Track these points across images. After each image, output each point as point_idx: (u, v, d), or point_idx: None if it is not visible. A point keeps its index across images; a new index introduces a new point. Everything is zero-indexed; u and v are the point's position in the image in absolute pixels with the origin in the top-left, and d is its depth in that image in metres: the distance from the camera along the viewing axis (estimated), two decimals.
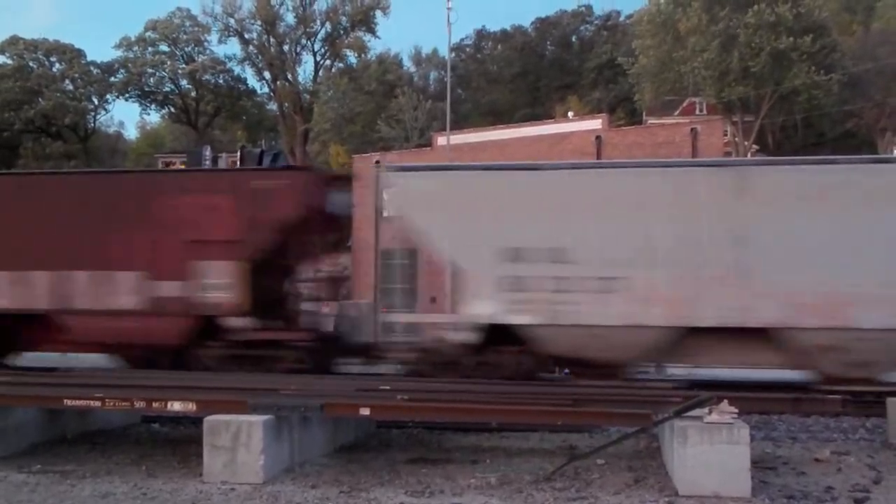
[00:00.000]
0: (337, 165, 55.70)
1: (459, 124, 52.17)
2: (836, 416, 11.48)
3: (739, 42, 50.33)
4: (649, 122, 59.42)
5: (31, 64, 70.91)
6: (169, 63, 74.78)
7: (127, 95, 75.69)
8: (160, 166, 63.37)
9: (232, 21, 69.71)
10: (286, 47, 71.51)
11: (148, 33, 73.12)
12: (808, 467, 8.84)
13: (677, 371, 14.71)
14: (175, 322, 13.80)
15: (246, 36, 70.72)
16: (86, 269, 14.08)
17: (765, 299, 12.30)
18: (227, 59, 75.26)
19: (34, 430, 9.96)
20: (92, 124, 77.14)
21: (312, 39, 72.00)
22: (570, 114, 57.04)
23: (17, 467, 8.80)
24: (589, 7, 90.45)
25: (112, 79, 73.98)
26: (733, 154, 52.56)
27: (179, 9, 73.94)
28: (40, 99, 68.80)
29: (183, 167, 51.23)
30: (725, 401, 7.98)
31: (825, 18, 53.89)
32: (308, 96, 73.37)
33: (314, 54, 73.10)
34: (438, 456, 9.49)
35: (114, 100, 76.84)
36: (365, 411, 8.75)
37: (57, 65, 72.44)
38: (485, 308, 13.05)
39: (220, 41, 73.53)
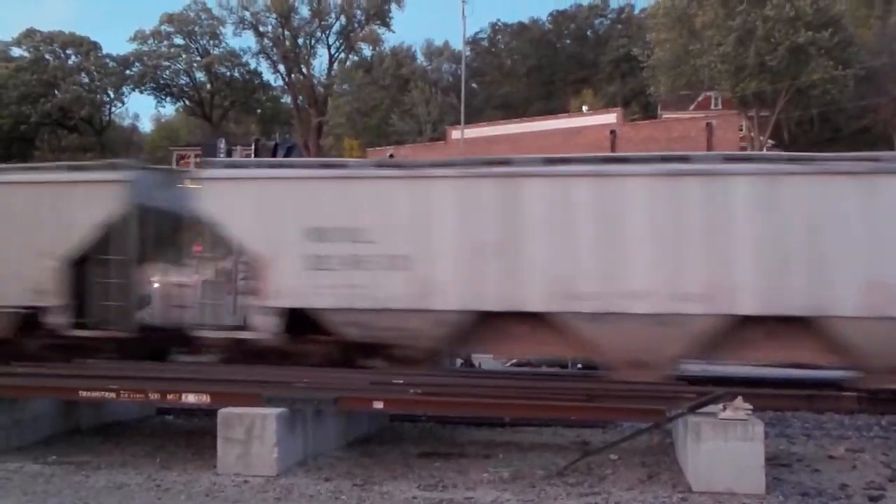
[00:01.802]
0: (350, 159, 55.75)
1: (473, 118, 52.14)
2: (850, 413, 11.44)
3: (757, 36, 50.00)
4: (664, 116, 59.23)
5: (47, 56, 71.12)
6: (184, 56, 74.89)
7: (142, 88, 75.87)
8: (175, 159, 63.59)
9: (247, 14, 69.74)
10: (301, 40, 71.47)
11: (163, 26, 73.24)
12: (823, 464, 8.80)
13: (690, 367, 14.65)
14: None
15: (261, 29, 70.71)
16: None
17: None
18: (241, 52, 75.38)
19: (50, 421, 10.04)
20: (107, 117, 77.45)
21: (327, 32, 71.98)
22: (584, 108, 56.93)
23: (33, 458, 8.87)
24: (604, 0, 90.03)
25: (128, 72, 74.17)
26: (748, 149, 52.31)
27: (195, 2, 74.06)
28: (56, 91, 69.04)
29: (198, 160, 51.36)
30: (740, 397, 7.95)
31: (842, 12, 53.46)
32: (322, 89, 73.39)
33: (329, 47, 73.08)
34: (451, 450, 9.50)
35: (129, 93, 77.06)
36: (378, 405, 8.77)
37: (73, 57, 72.65)
38: None
39: (235, 34, 73.66)
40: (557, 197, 12.23)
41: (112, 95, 75.84)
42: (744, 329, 11.69)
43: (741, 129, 53.45)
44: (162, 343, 14.46)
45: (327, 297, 12.55)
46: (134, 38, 73.29)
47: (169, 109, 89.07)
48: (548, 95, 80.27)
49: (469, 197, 12.49)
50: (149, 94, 77.34)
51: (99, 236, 13.69)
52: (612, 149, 36.11)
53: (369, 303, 12.39)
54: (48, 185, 14.26)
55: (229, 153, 54.02)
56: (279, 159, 16.95)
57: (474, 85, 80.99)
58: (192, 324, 14.63)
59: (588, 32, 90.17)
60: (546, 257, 12.07)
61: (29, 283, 13.58)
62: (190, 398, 8.90)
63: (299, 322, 12.75)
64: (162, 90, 76.96)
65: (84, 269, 13.92)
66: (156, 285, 16.45)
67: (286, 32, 70.39)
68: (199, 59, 74.48)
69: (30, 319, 13.79)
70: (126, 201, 13.69)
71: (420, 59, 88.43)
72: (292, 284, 12.66)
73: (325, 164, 14.46)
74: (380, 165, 13.58)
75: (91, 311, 13.90)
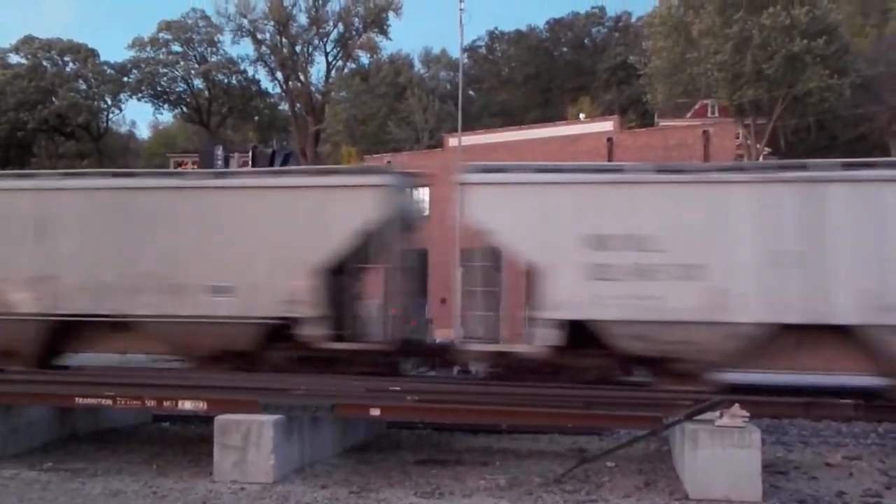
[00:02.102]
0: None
1: (470, 125, 52.11)
2: (847, 420, 11.42)
3: (753, 44, 50.17)
4: (661, 124, 59.31)
5: (45, 63, 71.18)
6: (182, 63, 75.00)
7: (140, 95, 75.94)
8: (172, 166, 63.57)
9: (245, 21, 69.80)
10: (298, 48, 71.57)
11: (161, 34, 73.34)
12: (820, 472, 8.80)
13: None
14: None
15: (259, 36, 70.80)
16: None
17: None
18: (239, 60, 75.50)
19: (46, 428, 10.01)
20: (105, 124, 77.47)
21: (325, 40, 72.07)
22: (581, 115, 56.96)
23: (29, 465, 8.84)
24: (602, 8, 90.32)
25: (125, 78, 74.24)
26: (745, 157, 52.42)
27: (193, 9, 74.23)
28: (54, 98, 69.10)
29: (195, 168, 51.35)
30: (737, 405, 7.95)
31: (838, 21, 53.65)
32: (320, 97, 73.47)
33: (326, 55, 73.18)
34: (448, 457, 9.49)
35: (127, 99, 77.14)
36: (375, 412, 8.76)
37: (71, 64, 72.72)
38: None
39: (233, 42, 73.87)
40: (866, 203, 11.71)
41: (109, 102, 75.94)
42: None
43: (738, 137, 53.51)
44: (421, 356, 13.70)
45: (609, 308, 11.95)
46: (132, 46, 73.45)
47: (166, 116, 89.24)
48: (545, 103, 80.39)
49: (767, 203, 11.97)
50: (146, 101, 77.47)
51: (358, 244, 12.92)
52: (609, 156, 36.14)
53: (656, 314, 11.81)
54: (302, 190, 13.31)
55: (227, 160, 54.01)
56: (555, 164, 15.99)
57: (472, 92, 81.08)
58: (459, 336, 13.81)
59: (585, 40, 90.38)
60: (855, 266, 11.54)
61: (281, 293, 12.71)
62: (187, 405, 8.88)
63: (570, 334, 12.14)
64: (159, 97, 77.04)
65: (341, 278, 13.17)
66: None
67: (284, 40, 70.47)
68: (196, 66, 74.58)
69: (278, 331, 12.92)
70: (386, 207, 12.84)
71: (418, 66, 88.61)
72: (571, 295, 12.08)
73: (603, 169, 13.52)
74: (667, 170, 12.83)
75: (348, 322, 13.13)
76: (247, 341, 12.95)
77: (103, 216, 13.56)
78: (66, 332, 13.57)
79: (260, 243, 13.00)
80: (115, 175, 14.76)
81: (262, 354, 12.99)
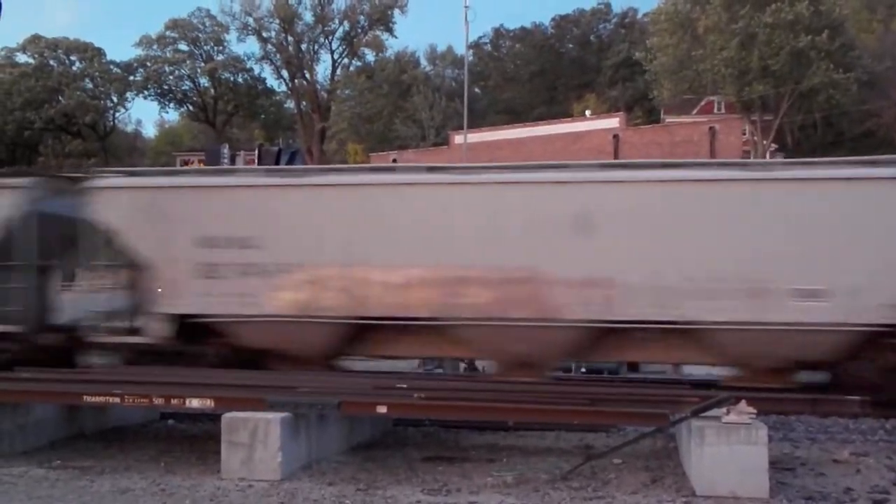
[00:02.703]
0: (353, 164, 55.73)
1: (476, 122, 52.23)
2: (854, 417, 11.40)
3: (759, 40, 50.09)
4: (667, 120, 59.30)
5: (51, 63, 71.46)
6: (188, 62, 75.18)
7: (146, 94, 76.17)
8: (178, 164, 63.71)
9: (250, 20, 69.94)
10: (304, 46, 71.66)
11: (167, 32, 73.55)
12: (827, 468, 8.78)
13: (694, 370, 14.64)
14: None
15: (264, 34, 70.86)
16: None
17: None
18: (245, 58, 75.64)
19: (53, 426, 10.04)
20: (111, 122, 77.71)
21: (330, 38, 72.12)
22: (587, 112, 57.01)
23: (37, 462, 8.87)
24: (607, 5, 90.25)
25: (131, 77, 74.44)
26: (752, 153, 52.32)
27: (199, 8, 74.47)
28: (60, 97, 69.35)
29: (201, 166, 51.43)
30: (743, 401, 7.94)
31: (843, 16, 53.51)
32: (326, 95, 73.56)
33: (332, 53, 73.25)
34: (455, 454, 9.49)
35: (133, 98, 77.38)
36: (382, 409, 8.76)
37: (77, 63, 72.96)
38: None
39: (238, 40, 74.01)
40: None
41: (115, 101, 76.17)
42: None
43: (744, 134, 53.51)
44: None
45: None
46: (139, 44, 73.69)
47: (172, 115, 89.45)
48: (550, 100, 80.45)
49: None
50: (152, 100, 77.75)
51: None
52: (616, 153, 36.17)
53: None
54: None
55: (233, 158, 54.11)
56: None
57: (477, 90, 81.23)
58: None
59: (591, 37, 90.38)
60: None
61: (889, 296, 11.06)
62: (194, 403, 8.89)
63: None
64: (165, 96, 77.28)
65: None
66: None
67: (289, 38, 70.54)
68: (202, 64, 74.76)
69: (873, 339, 11.35)
70: None
71: (423, 63, 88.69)
72: None
73: None
74: None
75: None
76: (834, 350, 11.45)
77: (669, 210, 11.80)
78: (611, 337, 12.08)
79: (859, 239, 11.36)
80: (666, 166, 13.09)
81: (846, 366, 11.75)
